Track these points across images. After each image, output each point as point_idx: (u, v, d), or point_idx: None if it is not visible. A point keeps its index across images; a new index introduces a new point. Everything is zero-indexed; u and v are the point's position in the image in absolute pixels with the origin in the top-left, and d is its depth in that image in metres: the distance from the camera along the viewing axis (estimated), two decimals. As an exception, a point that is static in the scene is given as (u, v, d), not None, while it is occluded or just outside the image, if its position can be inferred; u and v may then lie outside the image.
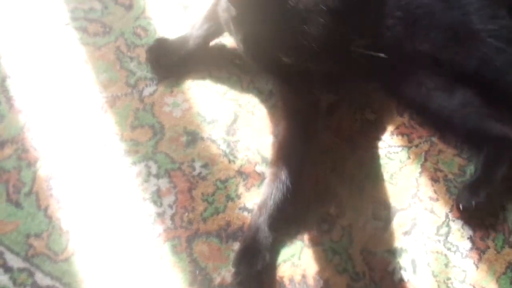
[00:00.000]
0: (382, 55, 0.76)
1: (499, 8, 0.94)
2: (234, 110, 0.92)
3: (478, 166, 0.92)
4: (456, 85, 0.95)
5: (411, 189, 0.92)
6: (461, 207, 0.88)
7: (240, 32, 0.69)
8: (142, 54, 0.94)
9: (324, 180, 0.90)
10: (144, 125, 0.89)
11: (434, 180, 0.94)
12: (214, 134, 0.90)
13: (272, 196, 0.82)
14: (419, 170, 0.95)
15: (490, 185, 0.89)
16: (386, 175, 0.93)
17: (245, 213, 0.85)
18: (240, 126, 0.91)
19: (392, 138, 0.96)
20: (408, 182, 0.93)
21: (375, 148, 0.95)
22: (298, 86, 0.78)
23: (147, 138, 0.88)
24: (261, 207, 0.82)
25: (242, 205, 0.85)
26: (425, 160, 0.96)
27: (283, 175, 0.85)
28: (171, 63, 0.92)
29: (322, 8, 0.62)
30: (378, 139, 0.96)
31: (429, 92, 0.96)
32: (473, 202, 0.86)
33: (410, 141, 0.97)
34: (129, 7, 0.97)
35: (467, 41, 0.91)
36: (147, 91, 0.91)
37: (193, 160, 0.86)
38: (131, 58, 0.93)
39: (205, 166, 0.87)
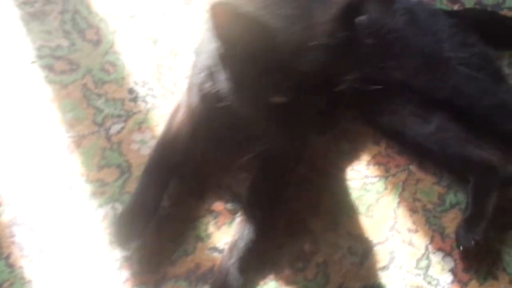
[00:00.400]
0: (376, 87, 0.76)
1: (470, 35, 0.93)
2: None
3: (468, 200, 0.90)
4: (431, 110, 0.93)
5: (388, 221, 0.90)
6: (461, 248, 0.85)
7: (227, 70, 0.66)
8: (110, 90, 0.92)
9: (298, 216, 0.88)
10: (111, 164, 0.87)
11: (413, 210, 0.92)
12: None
13: (243, 237, 0.79)
14: (396, 200, 0.92)
15: (484, 218, 0.86)
16: (362, 208, 0.90)
17: (216, 254, 0.82)
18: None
19: (368, 169, 0.94)
20: (386, 214, 0.91)
21: (350, 179, 0.92)
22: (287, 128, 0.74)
23: (114, 178, 0.86)
24: (231, 248, 0.79)
25: (212, 245, 0.83)
26: (403, 190, 0.93)
27: (255, 213, 0.82)
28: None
29: (315, 44, 0.60)
30: (354, 170, 0.94)
31: (404, 119, 0.94)
32: (472, 241, 0.84)
33: (387, 170, 0.95)
34: (97, 43, 0.96)
35: (439, 69, 0.90)
36: (115, 128, 0.89)
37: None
38: (99, 95, 0.92)
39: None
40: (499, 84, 0.91)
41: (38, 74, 0.92)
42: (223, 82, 0.66)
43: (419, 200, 0.93)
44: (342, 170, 0.93)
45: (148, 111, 0.91)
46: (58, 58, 0.93)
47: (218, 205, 0.86)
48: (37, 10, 0.96)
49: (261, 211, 0.83)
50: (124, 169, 0.86)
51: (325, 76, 0.61)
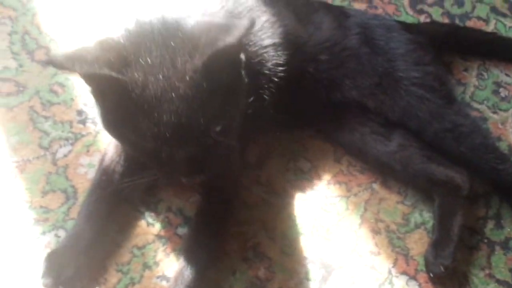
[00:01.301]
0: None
1: (426, 53, 0.89)
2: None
3: (434, 222, 0.86)
4: (392, 128, 0.90)
5: (349, 244, 0.86)
6: (431, 275, 0.82)
7: (98, 106, 0.66)
8: (58, 112, 0.89)
9: (252, 240, 0.84)
10: (56, 190, 0.83)
11: (375, 232, 0.87)
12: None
13: (190, 264, 0.75)
14: (358, 221, 0.88)
15: (452, 241, 0.83)
16: (321, 230, 0.86)
17: (164, 283, 0.78)
18: (161, 185, 0.85)
19: (328, 188, 0.90)
20: (346, 236, 0.86)
21: (309, 200, 0.88)
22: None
23: (58, 204, 0.82)
24: (176, 277, 0.75)
25: (160, 273, 0.79)
26: (365, 210, 0.89)
27: (203, 238, 0.78)
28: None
29: (173, 95, 0.59)
30: (313, 190, 0.90)
31: (364, 137, 0.90)
32: (442, 267, 0.80)
33: (348, 190, 0.91)
34: (46, 64, 0.92)
35: (391, 89, 0.86)
36: (61, 152, 0.86)
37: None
38: (46, 118, 0.88)
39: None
40: (450, 106, 0.88)
41: (-17, 97, 0.88)
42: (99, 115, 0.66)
43: (382, 221, 0.88)
44: (300, 190, 0.89)
45: (97, 133, 0.88)
46: (5, 80, 0.90)
47: (168, 230, 0.82)
48: (-14, 32, 0.93)
49: (210, 235, 0.79)
50: (70, 195, 0.83)
51: (189, 127, 0.59)
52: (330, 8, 0.95)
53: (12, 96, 0.89)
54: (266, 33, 0.81)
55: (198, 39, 0.60)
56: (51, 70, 0.92)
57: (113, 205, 0.79)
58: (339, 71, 0.88)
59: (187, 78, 0.58)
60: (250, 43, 0.79)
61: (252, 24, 0.60)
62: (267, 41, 0.81)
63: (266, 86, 0.81)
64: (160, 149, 0.61)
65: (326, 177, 0.91)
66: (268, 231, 0.85)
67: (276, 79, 0.81)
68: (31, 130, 0.87)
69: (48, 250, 0.76)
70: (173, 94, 0.58)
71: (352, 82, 0.88)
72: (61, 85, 0.91)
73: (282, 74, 0.81)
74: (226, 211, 0.82)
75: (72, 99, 0.90)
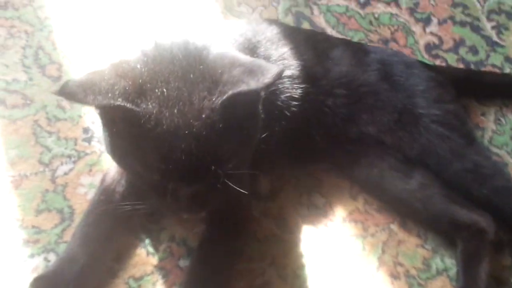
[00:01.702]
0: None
1: (446, 91, 0.88)
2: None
3: (458, 269, 0.80)
4: (412, 165, 0.85)
5: (366, 288, 0.78)
6: None
7: (105, 129, 0.61)
8: (63, 128, 0.85)
9: (261, 277, 0.76)
10: (52, 209, 0.77)
11: (394, 276, 0.80)
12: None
13: None
14: (376, 264, 0.81)
15: None
16: (336, 271, 0.79)
17: (161, 321, 0.70)
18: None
19: (344, 226, 0.84)
20: (363, 279, 0.79)
21: (323, 238, 0.82)
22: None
23: (52, 225, 0.75)
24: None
25: (157, 309, 0.71)
26: (383, 252, 0.83)
27: (207, 273, 0.71)
28: None
29: (187, 132, 0.55)
30: (328, 227, 0.84)
31: (383, 172, 0.85)
32: None
33: (365, 229, 0.85)
34: (57, 79, 0.90)
35: (411, 126, 0.83)
36: (62, 170, 0.80)
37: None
38: (50, 133, 0.84)
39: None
40: (471, 146, 0.84)
41: (-14, 107, 0.84)
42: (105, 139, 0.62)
43: (401, 265, 0.82)
44: (314, 226, 0.83)
45: (102, 153, 0.83)
46: (12, 92, 0.87)
47: (169, 262, 0.75)
48: (-1, 44, 0.91)
49: (214, 270, 0.71)
50: (66, 215, 0.76)
51: (199, 166, 0.55)
52: (350, 44, 0.94)
53: (17, 108, 0.85)
54: (283, 64, 0.80)
55: (220, 75, 0.56)
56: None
57: (112, 229, 0.73)
58: (357, 106, 0.85)
59: (203, 116, 0.55)
60: None
61: (281, 72, 0.57)
62: (285, 72, 0.79)
63: (278, 118, 0.78)
64: (165, 184, 0.57)
65: (341, 214, 0.85)
66: (279, 269, 0.78)
67: (288, 113, 0.78)
68: (32, 145, 0.82)
69: (35, 275, 0.68)
70: (186, 131, 0.54)
71: (370, 117, 0.85)
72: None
73: (295, 108, 0.78)
74: (233, 244, 0.76)
75: (79, 116, 0.86)
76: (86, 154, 0.83)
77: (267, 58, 0.77)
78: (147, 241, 0.76)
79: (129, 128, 0.55)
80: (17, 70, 0.89)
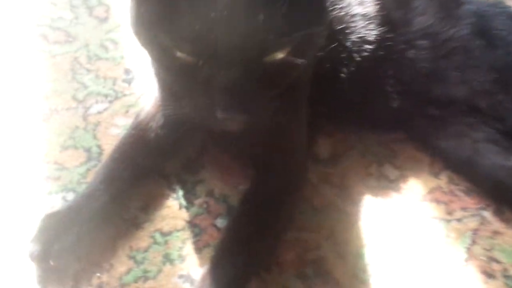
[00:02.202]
0: None
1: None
2: (204, 144, 0.69)
3: None
4: (514, 138, 0.68)
5: (450, 284, 0.60)
6: None
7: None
8: (103, 68, 0.76)
9: (314, 252, 0.61)
10: (79, 147, 0.67)
11: (488, 274, 0.61)
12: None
13: (223, 271, 0.53)
14: (463, 256, 0.63)
15: None
16: (411, 258, 0.62)
17: (187, 285, 0.56)
18: (207, 161, 0.67)
19: (421, 206, 0.67)
20: (446, 272, 0.61)
21: (396, 216, 0.66)
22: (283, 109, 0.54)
23: (77, 163, 0.65)
24: (204, 278, 0.53)
25: (184, 271, 0.57)
26: (473, 243, 0.64)
27: (248, 237, 0.56)
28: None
29: None
30: (402, 204, 0.67)
31: (476, 145, 0.68)
32: None
33: (449, 212, 0.67)
34: (104, 20, 0.83)
35: None
36: (96, 108, 0.71)
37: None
38: (88, 71, 0.76)
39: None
40: None
41: (31, 40, 0.78)
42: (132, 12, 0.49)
43: (497, 261, 0.63)
44: (384, 201, 0.67)
45: (142, 95, 0.73)
46: (56, 28, 0.81)
47: (205, 219, 0.62)
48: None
49: (257, 235, 0.57)
50: (93, 155, 0.66)
51: (242, 34, 0.41)
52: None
53: (58, 44, 0.79)
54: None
55: None
56: (107, 26, 0.82)
57: (141, 171, 0.61)
58: (444, 62, 0.70)
59: None
60: (335, 5, 0.64)
61: None
62: (357, 9, 0.66)
63: (345, 62, 0.65)
64: (198, 66, 0.44)
65: (419, 192, 0.69)
66: (337, 245, 0.62)
67: (358, 58, 0.65)
68: (68, 80, 0.74)
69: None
70: None
71: (460, 76, 0.69)
72: (114, 42, 0.80)
73: (368, 53, 0.65)
74: (284, 208, 0.61)
75: (122, 57, 0.78)
76: (124, 95, 0.74)
77: None
78: (180, 192, 0.64)
79: None
80: (65, 8, 0.84)
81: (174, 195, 0.64)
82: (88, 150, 0.67)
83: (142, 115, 0.64)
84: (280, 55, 0.44)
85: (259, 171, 0.63)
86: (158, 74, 0.57)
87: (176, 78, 0.47)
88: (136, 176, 0.60)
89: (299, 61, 0.46)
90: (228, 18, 0.40)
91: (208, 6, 0.41)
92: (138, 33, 0.48)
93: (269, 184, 0.62)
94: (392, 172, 0.70)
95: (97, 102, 0.72)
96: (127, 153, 0.60)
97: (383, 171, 0.70)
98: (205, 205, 0.63)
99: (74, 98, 0.72)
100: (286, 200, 0.62)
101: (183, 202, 0.63)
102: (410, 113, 0.72)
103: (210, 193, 0.64)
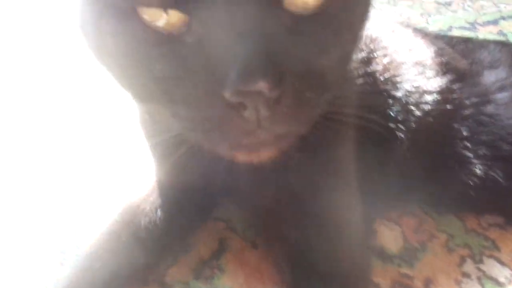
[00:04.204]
0: None
1: None
2: (221, 235, 0.49)
3: None
4: None
5: None
6: None
7: None
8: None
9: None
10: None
11: None
12: (171, 273, 0.45)
13: None
14: None
15: None
16: None
17: None
18: (226, 261, 0.47)
19: None
20: None
21: None
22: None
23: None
24: None
25: None
26: None
27: None
28: None
29: None
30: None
31: None
32: None
33: None
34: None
35: None
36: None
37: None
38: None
39: None
40: None
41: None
42: None
43: None
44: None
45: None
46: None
47: None
48: None
49: None
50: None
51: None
52: (505, 44, 0.66)
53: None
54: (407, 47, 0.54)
55: None
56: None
57: (127, 276, 0.41)
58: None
59: None
60: (376, 51, 0.50)
61: None
62: (406, 55, 0.52)
63: (399, 118, 0.48)
64: (186, 32, 0.27)
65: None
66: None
67: (418, 112, 0.49)
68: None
69: None
70: None
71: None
72: None
73: (430, 106, 0.50)
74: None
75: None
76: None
77: None
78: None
79: None
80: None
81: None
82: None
83: (133, 197, 0.46)
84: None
85: (297, 274, 0.41)
86: (140, 95, 0.34)
87: (159, 72, 0.28)
88: (119, 284, 0.40)
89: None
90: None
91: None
92: (89, 27, 0.30)
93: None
94: (498, 270, 0.48)
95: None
96: (108, 247, 0.41)
97: (485, 269, 0.48)
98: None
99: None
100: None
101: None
102: (502, 186, 0.52)
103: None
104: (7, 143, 0.61)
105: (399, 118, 0.49)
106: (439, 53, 0.56)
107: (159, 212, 0.43)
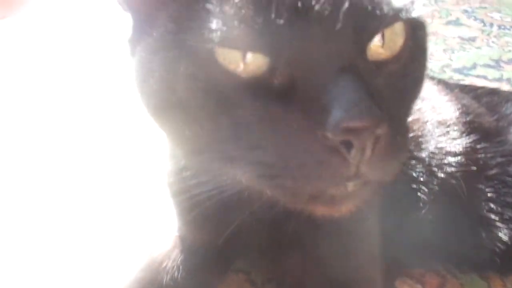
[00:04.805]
0: None
1: None
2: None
3: None
4: None
5: None
6: None
7: None
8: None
9: None
10: None
11: None
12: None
13: None
14: None
15: None
16: None
17: None
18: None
19: None
20: None
21: None
22: None
23: None
24: None
25: None
26: None
27: None
28: None
29: None
30: None
31: None
32: None
33: None
34: None
35: None
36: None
37: None
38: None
39: None
40: None
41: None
42: None
43: None
44: None
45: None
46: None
47: None
48: None
49: None
50: None
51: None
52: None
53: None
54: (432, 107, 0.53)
55: None
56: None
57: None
58: None
59: None
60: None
61: None
62: (430, 115, 0.52)
63: (421, 179, 0.48)
64: (270, 75, 0.26)
65: None
66: None
67: (441, 174, 0.48)
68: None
69: None
70: None
71: None
72: None
73: (454, 168, 0.49)
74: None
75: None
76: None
77: None
78: None
79: None
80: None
81: None
82: None
83: (155, 252, 0.46)
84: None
85: None
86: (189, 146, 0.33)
87: (240, 118, 0.26)
88: None
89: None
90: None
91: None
92: (154, 78, 0.29)
93: None
94: None
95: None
96: None
97: None
98: None
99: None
100: None
101: None
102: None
103: None
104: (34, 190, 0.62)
105: (422, 179, 0.48)
106: (464, 111, 0.55)
107: (181, 269, 0.43)
